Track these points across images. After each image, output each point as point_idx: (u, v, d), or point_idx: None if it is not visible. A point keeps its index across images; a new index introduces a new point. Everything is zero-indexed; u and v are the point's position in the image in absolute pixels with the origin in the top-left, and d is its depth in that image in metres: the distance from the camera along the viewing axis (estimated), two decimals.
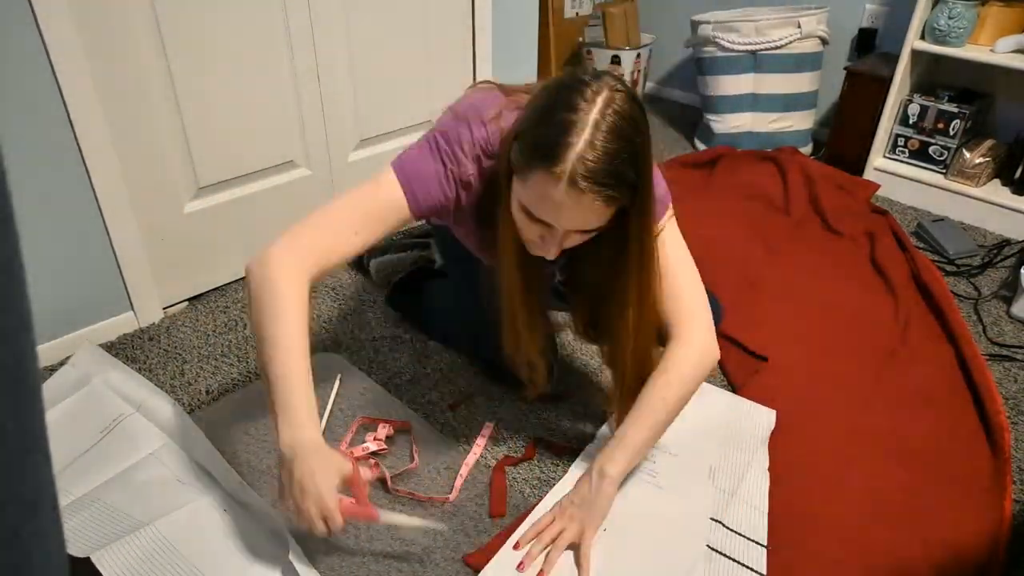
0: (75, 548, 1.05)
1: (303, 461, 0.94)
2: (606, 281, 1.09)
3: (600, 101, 0.89)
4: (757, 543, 1.14)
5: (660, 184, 1.11)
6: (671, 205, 1.15)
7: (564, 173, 0.88)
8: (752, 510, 1.20)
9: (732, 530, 1.16)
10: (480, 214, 1.10)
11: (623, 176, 0.91)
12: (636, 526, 1.15)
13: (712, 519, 1.18)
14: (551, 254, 1.01)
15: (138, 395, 1.35)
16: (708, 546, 1.13)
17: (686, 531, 1.16)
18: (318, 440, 0.96)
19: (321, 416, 1.38)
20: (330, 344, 1.60)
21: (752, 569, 1.10)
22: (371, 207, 1.05)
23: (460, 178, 1.07)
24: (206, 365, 1.53)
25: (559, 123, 0.89)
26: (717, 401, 1.44)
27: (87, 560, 1.02)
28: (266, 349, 0.96)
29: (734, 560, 1.11)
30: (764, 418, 1.39)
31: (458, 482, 1.24)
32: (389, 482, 1.23)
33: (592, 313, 1.19)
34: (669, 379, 1.11)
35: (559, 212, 0.93)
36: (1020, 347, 1.65)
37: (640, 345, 1.12)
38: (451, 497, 1.22)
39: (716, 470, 1.27)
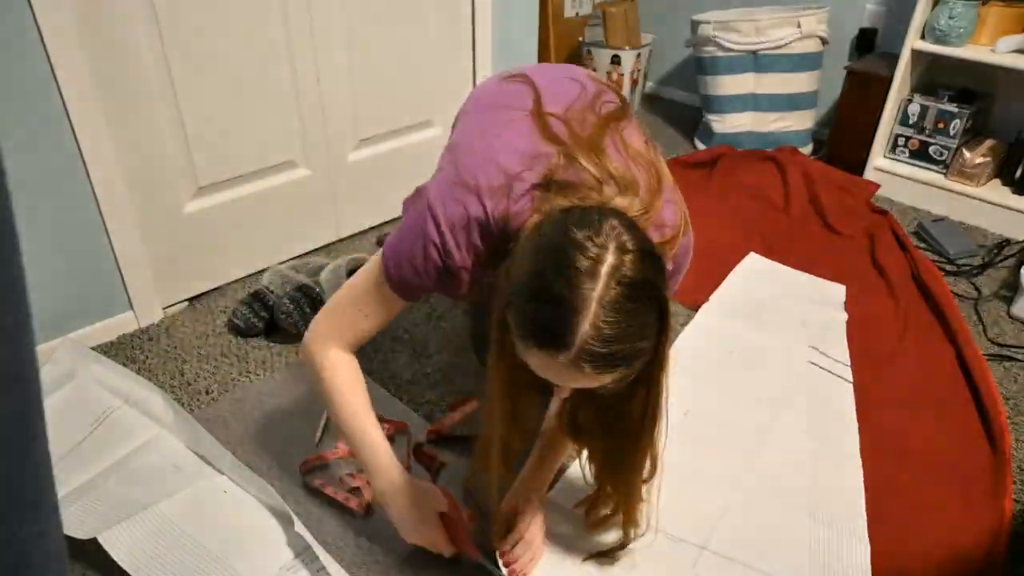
0: (79, 531, 1.06)
1: (394, 501, 1.05)
2: (605, 423, 0.98)
3: (604, 273, 0.74)
4: (844, 365, 1.56)
5: (686, 254, 1.04)
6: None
7: (568, 360, 0.77)
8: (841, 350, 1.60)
9: (826, 355, 1.58)
10: (476, 294, 1.01)
11: (636, 353, 0.79)
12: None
13: (810, 347, 1.60)
14: (563, 395, 0.91)
15: (125, 388, 1.37)
16: (809, 361, 1.56)
17: (790, 356, 1.58)
18: (402, 480, 1.06)
19: (320, 416, 1.38)
20: None
21: (843, 379, 1.51)
22: (371, 295, 1.01)
23: (449, 268, 0.95)
24: (206, 365, 1.53)
25: (557, 303, 0.75)
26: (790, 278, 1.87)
27: (88, 550, 1.03)
28: (338, 423, 1.06)
29: (829, 372, 1.53)
30: (834, 288, 1.81)
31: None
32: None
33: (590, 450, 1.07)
34: None
35: (563, 381, 0.83)
36: (1020, 347, 1.65)
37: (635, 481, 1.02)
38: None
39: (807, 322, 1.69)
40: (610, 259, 0.75)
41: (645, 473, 0.99)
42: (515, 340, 0.82)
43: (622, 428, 0.95)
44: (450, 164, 0.98)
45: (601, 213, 0.79)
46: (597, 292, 0.74)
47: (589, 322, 0.74)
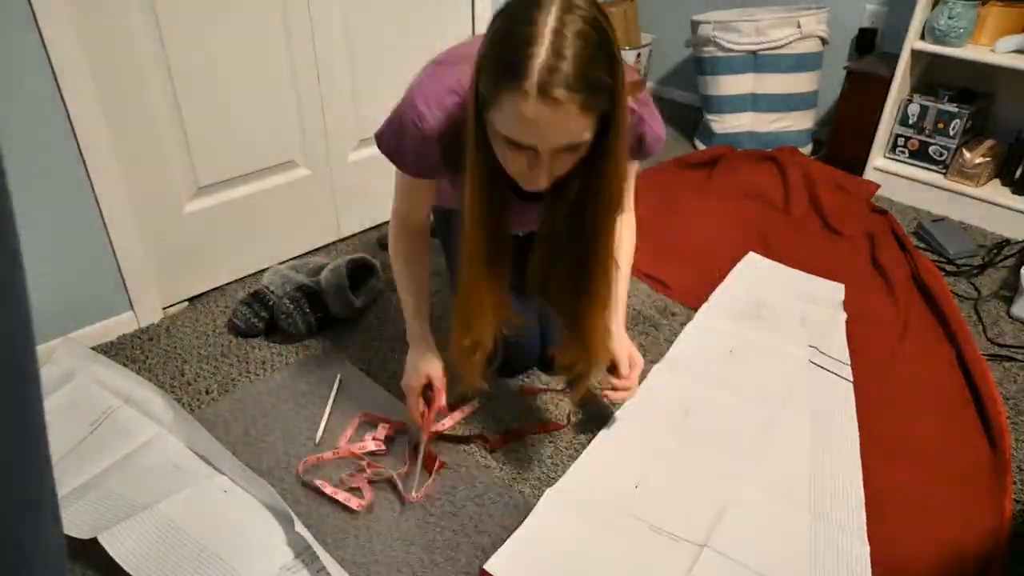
0: (79, 531, 1.06)
1: (409, 351, 1.29)
2: (580, 216, 1.02)
3: (556, 7, 0.83)
4: (843, 364, 1.57)
5: (656, 120, 1.14)
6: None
7: (532, 87, 0.83)
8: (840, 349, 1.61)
9: (826, 354, 1.59)
10: (452, 160, 1.05)
11: (596, 80, 0.85)
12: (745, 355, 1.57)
13: (810, 346, 1.60)
14: (543, 182, 0.95)
15: (125, 388, 1.37)
16: (809, 361, 1.56)
17: (790, 355, 1.59)
18: (417, 338, 1.28)
19: (321, 416, 1.38)
20: (330, 344, 1.60)
21: (843, 378, 1.52)
22: (396, 183, 1.23)
23: (425, 135, 1.05)
24: (206, 365, 1.53)
25: (518, 38, 0.84)
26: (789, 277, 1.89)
27: (88, 550, 1.03)
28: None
29: (829, 371, 1.54)
30: (833, 287, 1.83)
31: (423, 491, 1.23)
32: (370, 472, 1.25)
33: (552, 270, 1.11)
34: (623, 260, 1.28)
35: (537, 129, 0.87)
36: (1020, 347, 1.65)
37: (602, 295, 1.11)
38: (413, 498, 1.22)
39: (806, 321, 1.70)
40: (560, 1, 0.84)
41: (605, 301, 1.10)
42: (492, 105, 0.89)
43: (589, 228, 1.02)
44: (429, 63, 1.11)
45: None
46: (551, 23, 0.83)
47: (547, 48, 0.82)
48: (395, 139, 1.11)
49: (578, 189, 1.00)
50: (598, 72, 0.85)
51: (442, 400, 1.27)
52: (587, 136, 0.90)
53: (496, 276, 1.09)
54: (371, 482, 1.24)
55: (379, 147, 1.14)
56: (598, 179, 0.98)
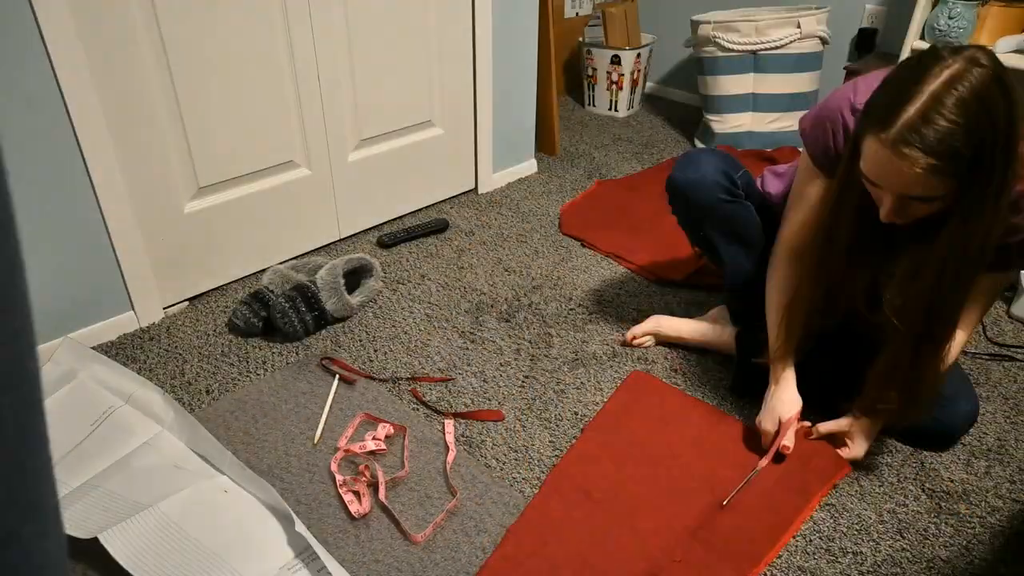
0: (80, 531, 1.06)
1: (771, 393, 1.31)
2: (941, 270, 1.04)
3: (947, 74, 0.89)
4: None
5: None
6: None
7: (888, 139, 0.92)
8: None
9: None
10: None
11: (952, 149, 0.89)
12: None
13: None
14: (887, 216, 1.02)
15: (126, 387, 1.37)
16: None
17: None
18: (783, 382, 1.30)
19: (320, 415, 1.38)
20: (330, 344, 1.60)
21: None
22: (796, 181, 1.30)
23: (855, 107, 1.11)
24: (206, 365, 1.53)
25: (900, 93, 0.92)
26: None
27: (89, 550, 1.03)
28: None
29: None
30: None
31: (429, 529, 1.17)
32: (383, 490, 1.23)
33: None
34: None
35: (882, 173, 0.97)
36: (1020, 347, 1.65)
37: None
38: (419, 538, 1.15)
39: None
40: (956, 67, 0.89)
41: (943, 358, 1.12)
42: (862, 142, 0.98)
43: (932, 268, 1.04)
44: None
45: (964, 47, 0.92)
46: (934, 88, 0.89)
47: (917, 108, 0.90)
48: (814, 120, 1.19)
49: (947, 243, 1.02)
50: (957, 143, 0.89)
51: (785, 440, 1.26)
52: (931, 193, 0.96)
53: (838, 260, 1.16)
54: (371, 485, 1.24)
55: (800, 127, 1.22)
56: (961, 246, 1.00)
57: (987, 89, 0.88)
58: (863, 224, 1.10)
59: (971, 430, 1.39)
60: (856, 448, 1.27)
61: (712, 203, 1.38)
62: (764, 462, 1.27)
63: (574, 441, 1.35)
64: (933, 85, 0.89)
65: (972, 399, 1.31)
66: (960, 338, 1.18)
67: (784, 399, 1.29)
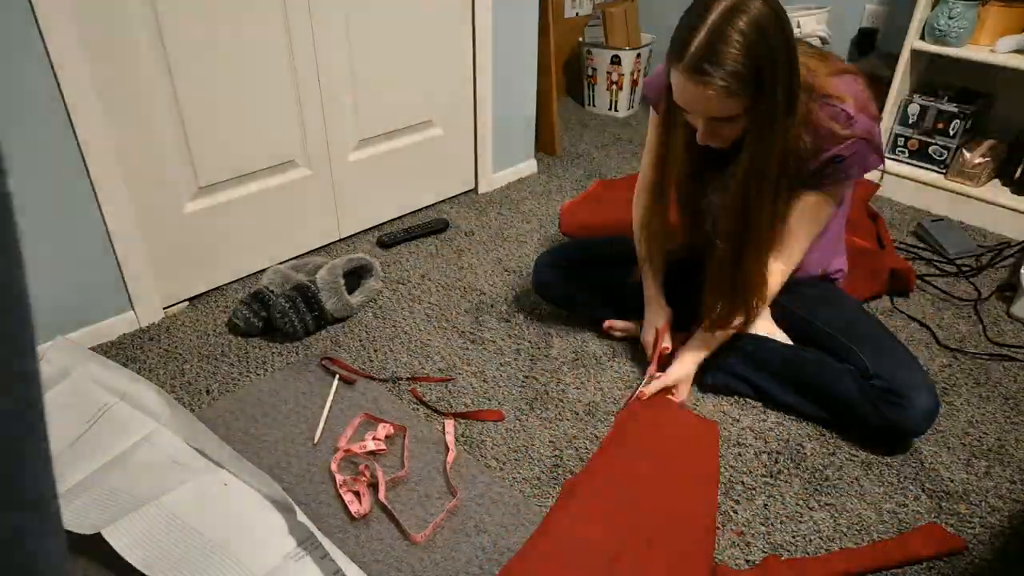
0: (81, 527, 1.06)
1: (646, 310, 1.51)
2: (746, 188, 1.18)
3: (723, 6, 1.03)
4: None
5: (858, 157, 1.20)
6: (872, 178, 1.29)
7: (684, 67, 1.07)
8: None
9: None
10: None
11: (735, 72, 1.04)
12: None
13: None
14: (702, 138, 1.17)
15: (120, 385, 1.37)
16: None
17: None
18: (651, 298, 1.50)
19: (320, 415, 1.38)
20: (330, 344, 1.60)
21: None
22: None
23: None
24: (206, 365, 1.53)
25: (689, 25, 1.06)
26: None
27: (88, 547, 1.03)
28: None
29: None
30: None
31: (429, 529, 1.16)
32: (383, 490, 1.23)
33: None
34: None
35: (686, 99, 1.12)
36: (1020, 347, 1.65)
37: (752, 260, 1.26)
38: (419, 538, 1.15)
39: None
40: (731, 1, 1.04)
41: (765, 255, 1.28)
42: (669, 73, 1.13)
43: (754, 202, 1.18)
44: None
45: None
46: (712, 18, 1.04)
47: (700, 37, 1.04)
48: (655, 71, 1.35)
49: (747, 155, 1.16)
50: (739, 65, 1.04)
51: (664, 342, 1.46)
52: (726, 112, 1.10)
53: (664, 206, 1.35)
54: (371, 485, 1.24)
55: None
56: (757, 158, 1.15)
57: (764, 17, 1.03)
58: (691, 151, 1.25)
59: (971, 430, 1.39)
60: (681, 392, 1.42)
61: (568, 295, 1.62)
62: (652, 368, 1.46)
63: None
64: (714, 16, 1.03)
65: (930, 394, 1.26)
66: (794, 254, 1.33)
67: (656, 310, 1.49)
